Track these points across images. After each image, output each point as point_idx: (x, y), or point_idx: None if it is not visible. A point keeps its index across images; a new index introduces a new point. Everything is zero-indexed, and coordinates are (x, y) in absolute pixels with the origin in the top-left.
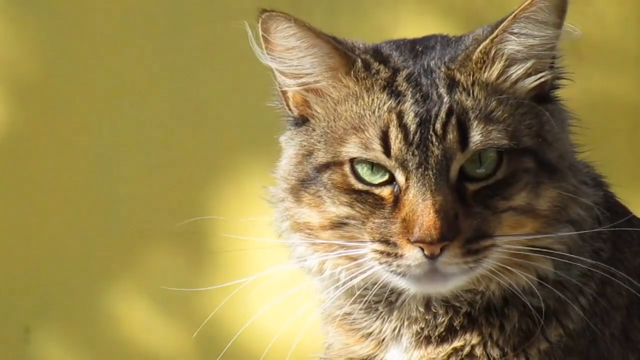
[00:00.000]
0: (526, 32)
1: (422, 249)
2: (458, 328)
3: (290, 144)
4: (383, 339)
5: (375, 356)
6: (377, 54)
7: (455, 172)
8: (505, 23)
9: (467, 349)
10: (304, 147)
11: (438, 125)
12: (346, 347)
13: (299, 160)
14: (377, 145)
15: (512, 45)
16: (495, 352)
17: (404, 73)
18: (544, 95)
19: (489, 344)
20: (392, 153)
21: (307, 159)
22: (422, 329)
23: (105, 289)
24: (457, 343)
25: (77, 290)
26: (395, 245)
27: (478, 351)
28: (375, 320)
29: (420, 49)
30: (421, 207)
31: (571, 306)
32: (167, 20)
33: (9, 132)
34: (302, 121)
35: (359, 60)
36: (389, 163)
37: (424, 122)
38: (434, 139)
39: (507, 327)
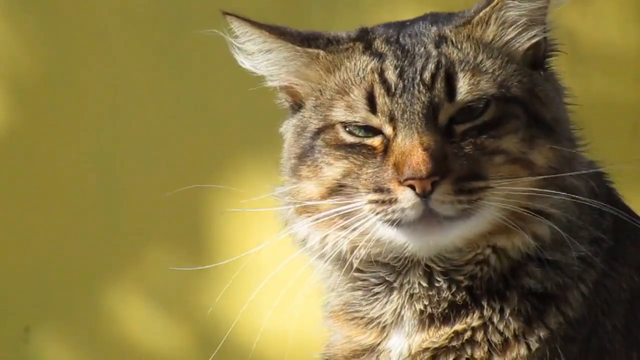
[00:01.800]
0: None
1: (414, 188)
2: (460, 303)
3: (288, 131)
4: (385, 326)
5: (378, 344)
6: (361, 30)
7: (445, 119)
8: None
9: (468, 333)
10: (299, 126)
11: (426, 75)
12: (349, 339)
13: (295, 139)
14: (362, 105)
15: (511, 12)
16: (496, 338)
17: (382, 37)
18: (538, 62)
19: (489, 328)
20: (378, 108)
21: (302, 133)
22: (425, 306)
23: (105, 288)
24: (458, 326)
25: (77, 290)
26: (388, 190)
27: (479, 336)
28: (375, 305)
29: (408, 23)
30: (409, 147)
31: (571, 293)
32: (167, 20)
33: (9, 132)
34: (297, 107)
35: (322, 52)
36: (376, 121)
37: (408, 73)
38: (420, 87)
39: (507, 310)
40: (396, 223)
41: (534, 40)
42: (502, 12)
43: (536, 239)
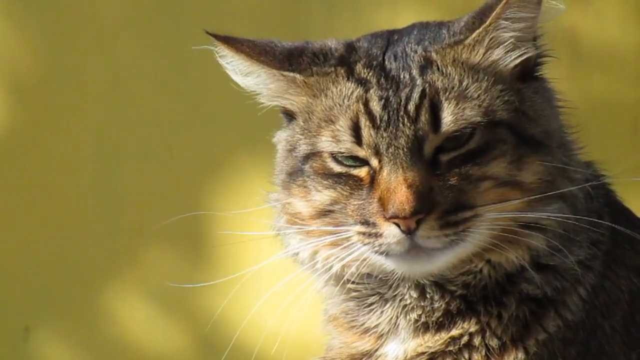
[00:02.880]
0: (518, 16)
1: (399, 225)
2: (455, 312)
3: (280, 142)
4: (382, 334)
5: (375, 350)
6: (345, 49)
7: (430, 151)
8: (498, 10)
9: (465, 337)
10: (289, 143)
11: (411, 107)
12: (347, 345)
13: (285, 156)
14: (347, 137)
15: (505, 33)
16: (493, 342)
17: (365, 61)
18: (528, 72)
19: (487, 333)
20: (364, 141)
21: (292, 153)
22: (419, 316)
23: (105, 288)
24: (454, 331)
25: (77, 290)
26: (374, 224)
27: (476, 341)
28: (371, 315)
29: (396, 37)
30: (394, 184)
31: (569, 296)
32: (167, 20)
33: (9, 132)
34: (290, 118)
35: (298, 76)
36: (362, 152)
37: (392, 105)
38: (405, 120)
39: (504, 316)
40: (384, 253)
41: (523, 58)
42: (496, 33)
43: (531, 251)
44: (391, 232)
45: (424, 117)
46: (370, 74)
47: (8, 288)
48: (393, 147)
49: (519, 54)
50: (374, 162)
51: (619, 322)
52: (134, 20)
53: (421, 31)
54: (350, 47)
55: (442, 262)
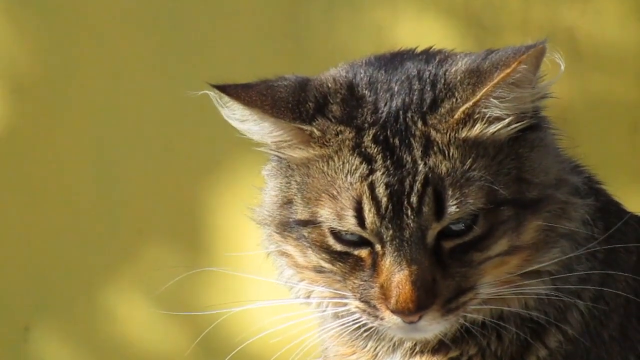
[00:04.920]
0: (509, 97)
1: (402, 318)
2: (451, 341)
3: (271, 182)
4: (377, 353)
5: None
6: (348, 99)
7: (432, 239)
8: (488, 88)
9: (464, 358)
10: (284, 193)
11: (413, 199)
12: (341, 357)
13: (280, 205)
14: (351, 218)
15: (495, 109)
16: None
17: (370, 133)
18: (526, 128)
19: (487, 353)
20: (367, 225)
21: (288, 207)
22: (414, 345)
23: (105, 288)
24: (452, 353)
25: (77, 290)
26: (375, 308)
27: None
28: (369, 341)
29: (395, 87)
30: (397, 277)
31: (570, 312)
32: (167, 20)
33: (9, 132)
34: (281, 158)
35: (315, 131)
36: (365, 234)
37: (397, 193)
38: (408, 212)
39: (505, 339)
40: (383, 328)
41: (522, 127)
42: (486, 110)
43: (532, 296)
44: (392, 320)
45: (427, 207)
46: (377, 150)
47: (8, 288)
48: (397, 239)
49: (518, 125)
50: (377, 246)
51: (616, 329)
52: (134, 20)
53: (420, 82)
54: (353, 95)
55: (437, 332)
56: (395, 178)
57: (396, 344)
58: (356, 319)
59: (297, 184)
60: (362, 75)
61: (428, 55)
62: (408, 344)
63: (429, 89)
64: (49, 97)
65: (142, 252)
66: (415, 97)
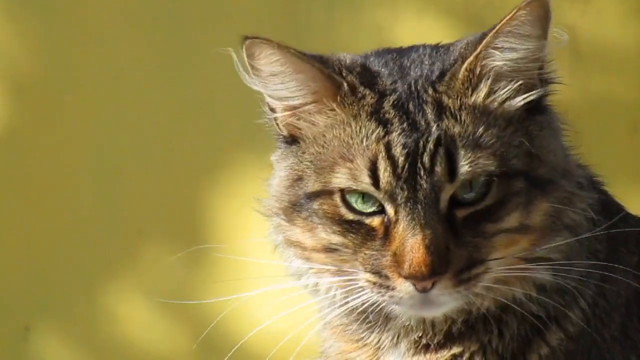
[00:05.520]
0: (509, 47)
1: (414, 284)
2: (456, 335)
3: (280, 165)
4: (381, 347)
5: None
6: (365, 73)
7: (445, 203)
8: (487, 38)
9: (466, 355)
10: (295, 171)
11: (426, 158)
12: (343, 354)
13: (289, 184)
14: (365, 177)
15: (497, 62)
16: (494, 358)
17: (391, 99)
18: (533, 107)
19: (488, 350)
20: (381, 186)
21: (298, 184)
22: (419, 337)
23: (105, 288)
24: (455, 349)
25: (77, 290)
26: (387, 277)
27: (477, 358)
28: (372, 332)
29: (408, 64)
30: (411, 242)
31: (572, 309)
32: (167, 20)
33: (9, 132)
34: (292, 140)
35: (345, 84)
36: (378, 195)
37: (412, 154)
38: (422, 172)
39: (506, 334)
40: (393, 303)
41: (530, 98)
42: (488, 62)
43: (537, 284)
44: (405, 289)
45: (439, 167)
46: (394, 114)
47: (8, 288)
48: (411, 201)
49: (526, 95)
50: (390, 210)
51: (617, 328)
52: (134, 20)
53: (430, 57)
54: (369, 71)
55: (447, 310)
56: (411, 139)
57: (401, 334)
58: (364, 300)
59: (310, 157)
60: (373, 58)
61: (436, 44)
62: (413, 336)
63: (438, 62)
64: (49, 97)
65: (142, 252)
66: (425, 70)
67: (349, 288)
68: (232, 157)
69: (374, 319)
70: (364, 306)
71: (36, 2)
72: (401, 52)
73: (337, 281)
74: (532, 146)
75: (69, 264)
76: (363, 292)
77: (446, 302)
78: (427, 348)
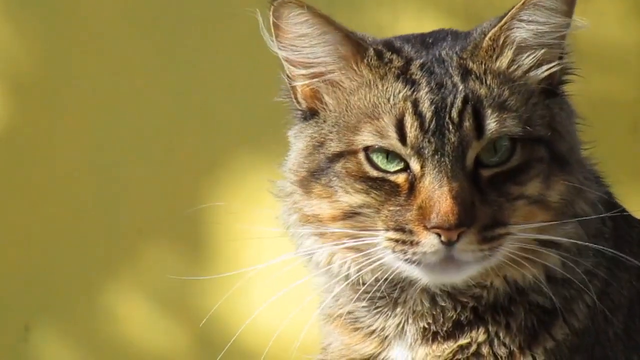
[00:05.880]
0: (535, 19)
1: (439, 235)
2: (465, 323)
3: (299, 137)
4: (386, 337)
5: (378, 354)
6: (389, 45)
7: (472, 160)
8: (513, 10)
9: (473, 347)
10: (315, 139)
11: (454, 113)
12: (348, 347)
13: (309, 152)
14: (392, 133)
15: (521, 33)
16: (501, 351)
17: (417, 62)
18: (552, 89)
19: (495, 342)
20: (408, 141)
21: (319, 149)
22: (429, 324)
23: (105, 288)
24: (462, 340)
25: (77, 289)
26: (411, 232)
27: (484, 350)
28: (378, 317)
29: (430, 41)
30: (438, 193)
31: (577, 304)
32: (167, 20)
33: (9, 132)
34: (310, 114)
35: (371, 49)
36: (404, 151)
37: (440, 110)
38: (450, 127)
39: (513, 325)
40: (415, 262)
41: (551, 70)
42: (512, 33)
43: (546, 269)
44: (429, 242)
45: (467, 122)
46: (421, 75)
47: (8, 288)
48: (439, 154)
49: (547, 66)
50: (416, 166)
51: (620, 327)
52: (134, 20)
53: (454, 36)
54: (392, 44)
55: (468, 274)
56: (438, 97)
57: (408, 321)
58: (383, 263)
59: (333, 121)
60: (394, 39)
61: (455, 30)
62: (422, 324)
63: (460, 39)
64: (49, 97)
65: (142, 252)
66: (449, 45)
67: (365, 258)
68: (232, 157)
69: (379, 298)
70: (373, 277)
71: (36, 2)
72: (422, 34)
73: (352, 254)
74: (553, 121)
75: (69, 264)
76: (379, 257)
77: (469, 262)
78: (434, 338)
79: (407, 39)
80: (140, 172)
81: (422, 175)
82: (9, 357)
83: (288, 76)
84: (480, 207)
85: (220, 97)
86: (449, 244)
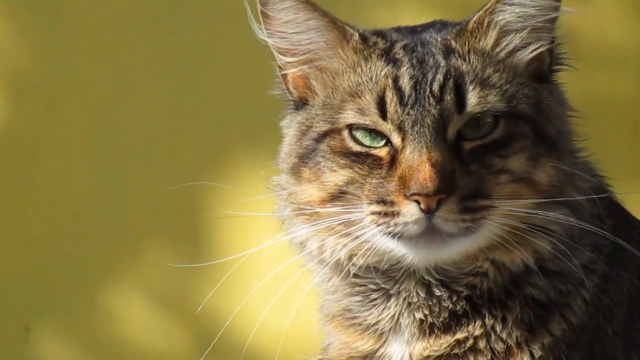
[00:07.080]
0: (519, 2)
1: (419, 203)
2: (461, 314)
3: (290, 126)
4: (382, 332)
5: (376, 351)
6: (376, 31)
7: (453, 133)
8: None
9: (470, 341)
10: (303, 124)
11: (435, 87)
12: (346, 345)
13: (298, 137)
14: (373, 109)
15: (505, 15)
16: (499, 346)
17: (401, 44)
18: (543, 75)
19: (492, 337)
20: (389, 115)
21: (307, 133)
22: (425, 316)
23: (105, 288)
24: (459, 334)
25: (77, 289)
26: (392, 203)
27: (481, 344)
28: (373, 310)
29: (419, 29)
30: (417, 162)
31: (574, 299)
32: (167, 20)
33: (9, 132)
34: (302, 104)
35: (357, 34)
36: (386, 126)
37: (420, 84)
38: (431, 100)
39: (509, 319)
40: (397, 236)
41: (537, 52)
42: (496, 16)
43: (535, 254)
44: (409, 211)
45: (448, 96)
46: (404, 54)
47: (8, 288)
48: (418, 125)
49: (533, 47)
50: (397, 140)
51: (620, 325)
52: (134, 21)
53: (442, 25)
54: (380, 31)
55: (454, 249)
56: (419, 71)
57: (403, 313)
58: (367, 239)
59: (319, 105)
60: (385, 30)
61: (445, 21)
62: (419, 315)
63: (449, 27)
64: (49, 97)
65: (142, 252)
66: (436, 29)
67: (354, 241)
68: (232, 157)
69: (375, 294)
70: (369, 264)
71: (36, 2)
72: (413, 26)
73: (343, 239)
74: (541, 102)
75: (69, 264)
76: (368, 230)
77: (452, 235)
78: (431, 331)
79: (397, 29)
80: (140, 172)
81: (403, 147)
82: (9, 357)
83: (279, 66)
84: (461, 176)
85: (221, 97)
86: (428, 211)
